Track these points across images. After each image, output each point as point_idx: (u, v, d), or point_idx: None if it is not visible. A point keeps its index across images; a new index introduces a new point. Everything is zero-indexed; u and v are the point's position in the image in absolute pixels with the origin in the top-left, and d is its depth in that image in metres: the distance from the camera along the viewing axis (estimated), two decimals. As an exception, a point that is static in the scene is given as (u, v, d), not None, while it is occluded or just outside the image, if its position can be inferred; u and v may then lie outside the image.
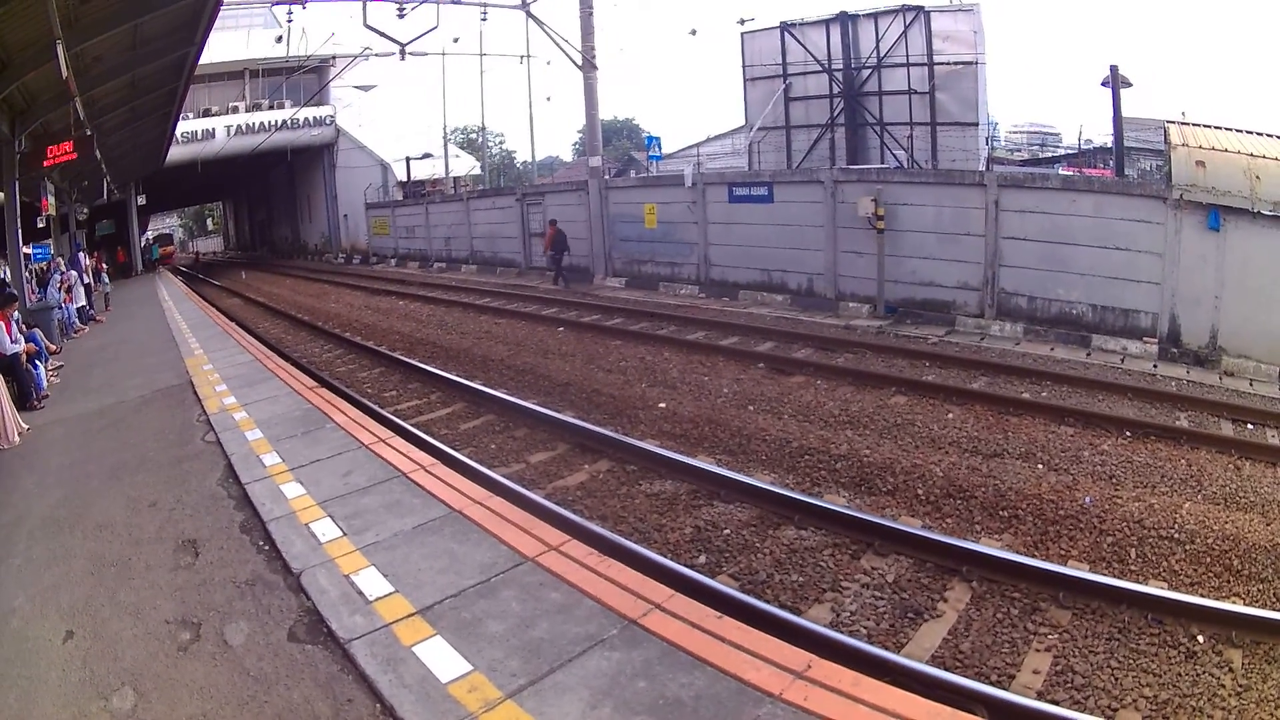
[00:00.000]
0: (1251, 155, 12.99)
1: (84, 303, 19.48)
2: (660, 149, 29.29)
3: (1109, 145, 22.53)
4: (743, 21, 27.56)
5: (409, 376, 12.58)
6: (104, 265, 26.27)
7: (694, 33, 30.14)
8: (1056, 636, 5.04)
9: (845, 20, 25.42)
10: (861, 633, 5.12)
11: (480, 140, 54.88)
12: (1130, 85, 18.34)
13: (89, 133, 16.03)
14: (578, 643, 3.78)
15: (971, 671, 4.71)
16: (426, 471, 6.24)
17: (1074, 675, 4.68)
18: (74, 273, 19.88)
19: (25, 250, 17.33)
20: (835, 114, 26.27)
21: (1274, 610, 5.27)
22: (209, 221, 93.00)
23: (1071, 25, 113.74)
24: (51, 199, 19.16)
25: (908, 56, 24.29)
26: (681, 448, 8.62)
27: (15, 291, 12.74)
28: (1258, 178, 12.42)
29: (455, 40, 33.06)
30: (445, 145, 43.96)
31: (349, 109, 44.85)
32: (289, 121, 40.58)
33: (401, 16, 24.48)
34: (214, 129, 40.03)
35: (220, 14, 15.09)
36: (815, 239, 18.95)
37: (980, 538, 6.45)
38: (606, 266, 25.27)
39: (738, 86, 28.54)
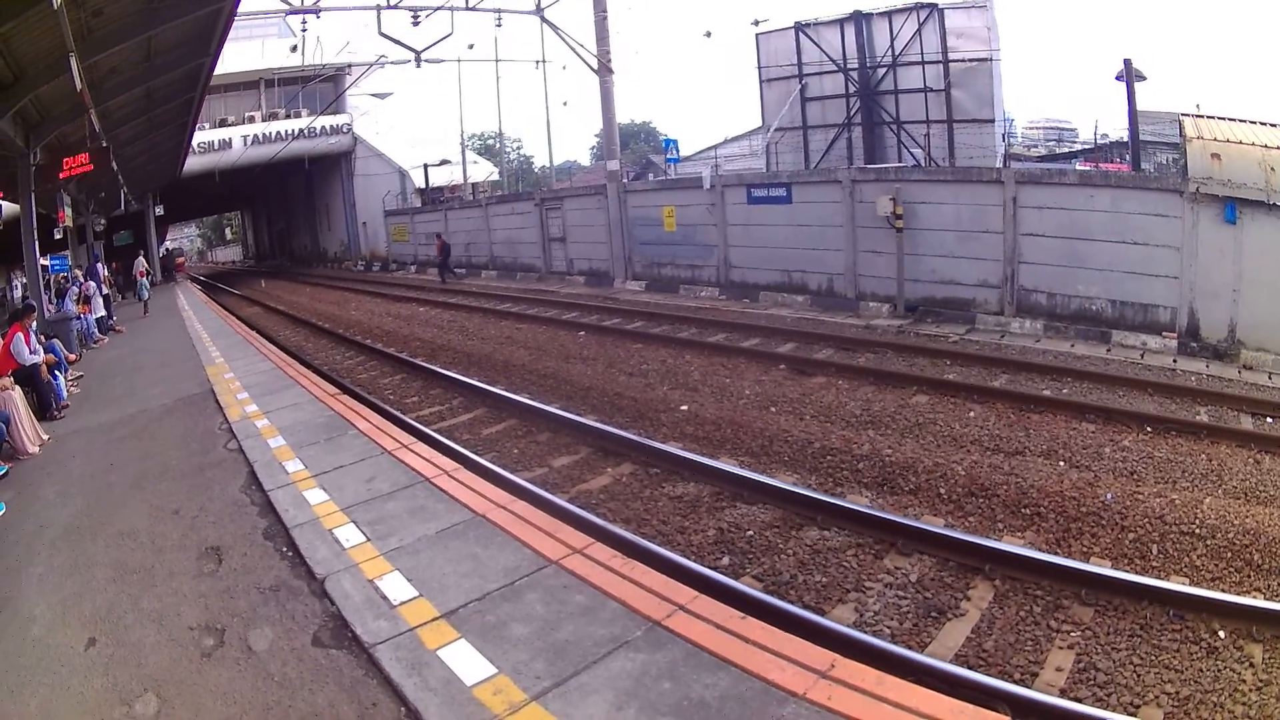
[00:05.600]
0: (1266, 147, 12.89)
1: (103, 313, 19.67)
2: (678, 151, 29.26)
3: (1125, 140, 22.37)
4: (757, 23, 27.64)
5: (430, 382, 12.64)
6: (145, 272, 25.86)
7: (709, 35, 30.34)
8: (1079, 634, 5.01)
9: (860, 19, 25.40)
10: (885, 632, 5.11)
11: (498, 146, 55.15)
12: (1145, 79, 18.27)
13: (105, 144, 16.19)
14: (602, 644, 3.78)
15: (995, 670, 4.69)
16: (449, 476, 6.25)
17: (1097, 672, 4.65)
18: (92, 283, 20.10)
19: (43, 262, 17.51)
20: (851, 113, 26.25)
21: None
22: (228, 231, 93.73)
23: (1085, 19, 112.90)
24: (68, 210, 19.34)
25: (922, 54, 24.26)
26: (704, 450, 8.62)
27: (34, 302, 12.89)
28: (1273, 169, 12.30)
29: (470, 47, 33.16)
30: (463, 151, 44.13)
31: (366, 117, 45.06)
32: (306, 130, 40.74)
33: (416, 24, 24.62)
34: (231, 139, 40.34)
35: (234, 24, 15.20)
36: (834, 239, 18.90)
37: (1003, 536, 6.42)
38: (626, 270, 25.31)
39: (754, 88, 28.61)
